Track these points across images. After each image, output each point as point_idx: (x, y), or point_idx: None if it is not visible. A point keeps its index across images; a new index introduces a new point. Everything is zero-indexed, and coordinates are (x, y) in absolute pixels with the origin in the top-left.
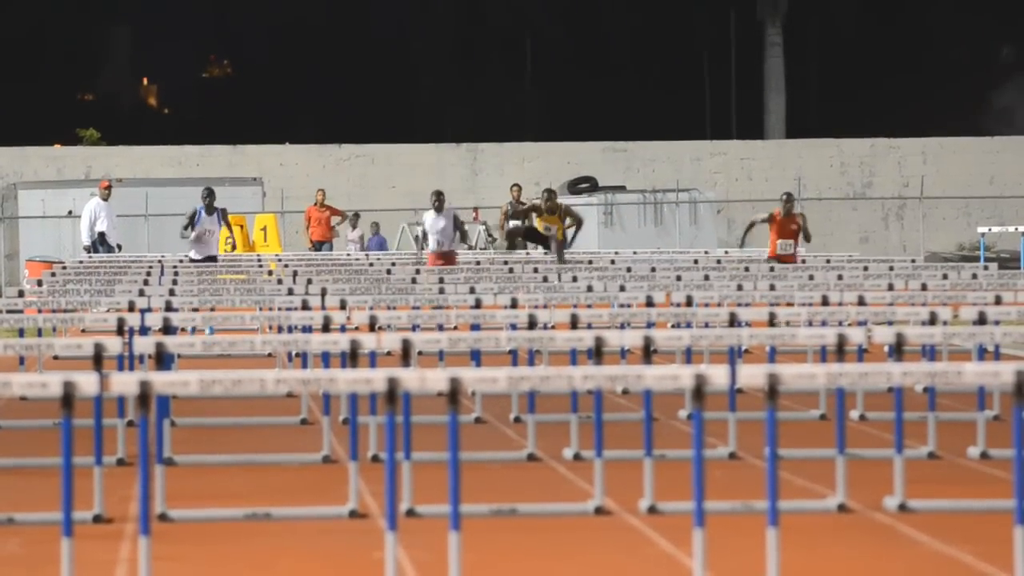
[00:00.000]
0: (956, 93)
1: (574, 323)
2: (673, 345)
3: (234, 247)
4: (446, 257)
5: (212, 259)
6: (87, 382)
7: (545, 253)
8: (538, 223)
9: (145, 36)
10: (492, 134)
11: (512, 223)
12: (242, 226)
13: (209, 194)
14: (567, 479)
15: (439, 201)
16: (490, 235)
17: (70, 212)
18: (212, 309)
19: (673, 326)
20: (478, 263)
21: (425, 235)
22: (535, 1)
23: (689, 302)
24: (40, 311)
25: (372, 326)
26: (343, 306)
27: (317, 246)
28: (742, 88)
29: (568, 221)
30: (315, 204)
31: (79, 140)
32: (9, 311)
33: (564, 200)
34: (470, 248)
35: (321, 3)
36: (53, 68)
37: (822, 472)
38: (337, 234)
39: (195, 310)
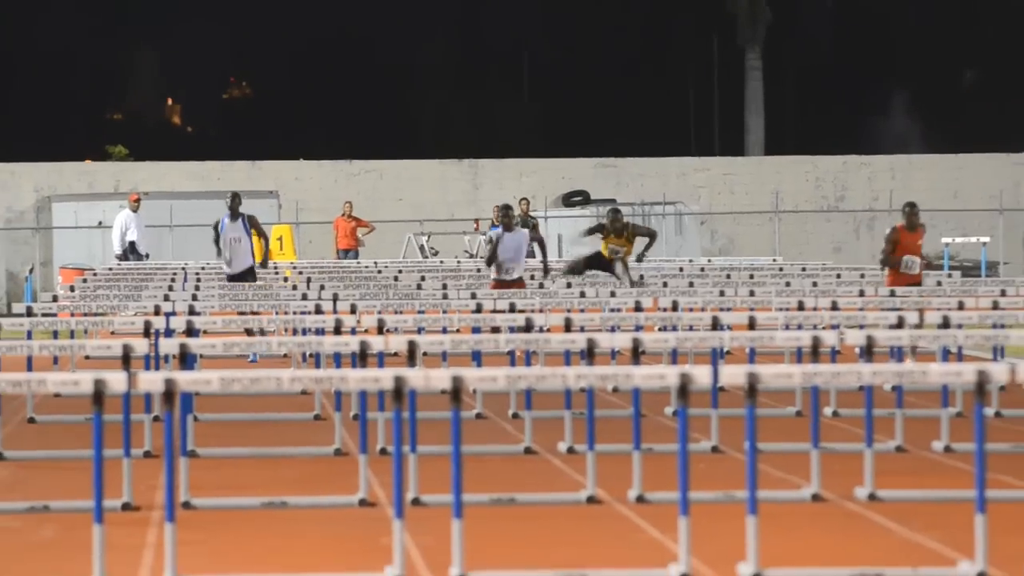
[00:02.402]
0: (922, 114)
1: (568, 326)
2: (660, 347)
3: (264, 261)
4: (512, 286)
5: (247, 273)
6: (116, 380)
7: (611, 276)
8: (603, 246)
9: (169, 59)
10: (492, 150)
11: (572, 260)
12: (281, 238)
13: (233, 198)
14: (561, 471)
15: (507, 217)
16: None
17: (100, 223)
18: (242, 313)
19: (660, 329)
20: (478, 271)
21: (495, 252)
22: (532, 27)
23: (675, 307)
24: (73, 315)
25: (380, 329)
26: (353, 310)
27: (343, 254)
28: (724, 109)
29: (637, 240)
30: (343, 215)
31: (108, 156)
32: (44, 314)
33: (558, 211)
34: (546, 268)
35: (333, 29)
36: (84, 89)
37: (798, 464)
38: (363, 244)
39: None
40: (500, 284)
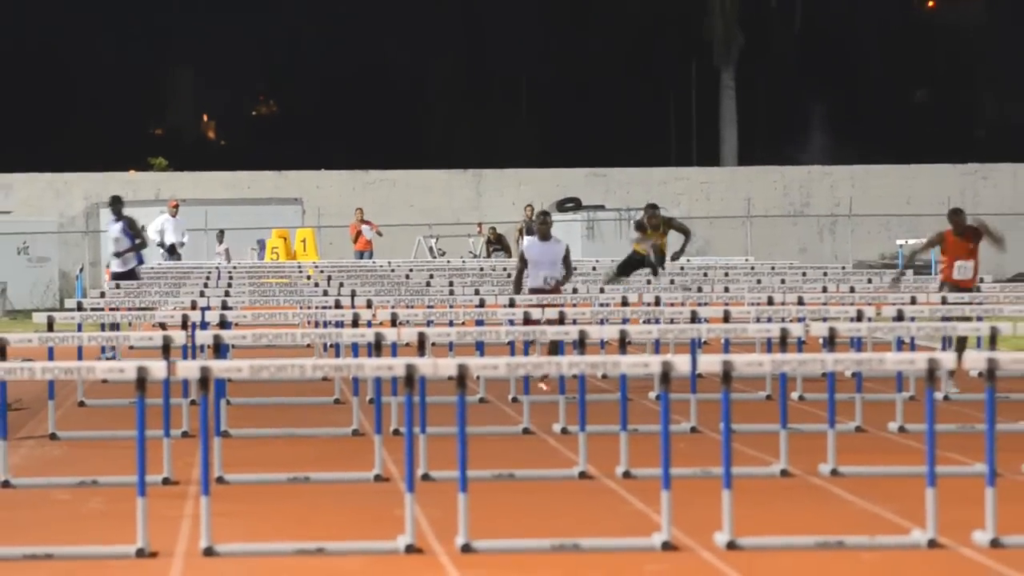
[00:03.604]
0: (879, 129)
1: (562, 319)
2: (644, 338)
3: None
4: (549, 294)
5: (131, 274)
6: (157, 368)
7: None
8: (635, 245)
9: (205, 80)
10: (493, 162)
11: (606, 273)
12: (285, 238)
13: (114, 202)
14: (556, 449)
15: (545, 224)
16: (498, 245)
17: (143, 227)
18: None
19: (644, 322)
20: (481, 269)
21: (524, 263)
22: (530, 52)
23: (657, 302)
24: (118, 309)
25: (393, 322)
26: (369, 305)
27: (359, 255)
28: (701, 124)
29: (673, 235)
30: (356, 220)
31: (150, 167)
32: (93, 309)
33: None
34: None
35: (350, 53)
36: (129, 108)
37: (768, 444)
38: (380, 233)
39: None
40: (536, 293)
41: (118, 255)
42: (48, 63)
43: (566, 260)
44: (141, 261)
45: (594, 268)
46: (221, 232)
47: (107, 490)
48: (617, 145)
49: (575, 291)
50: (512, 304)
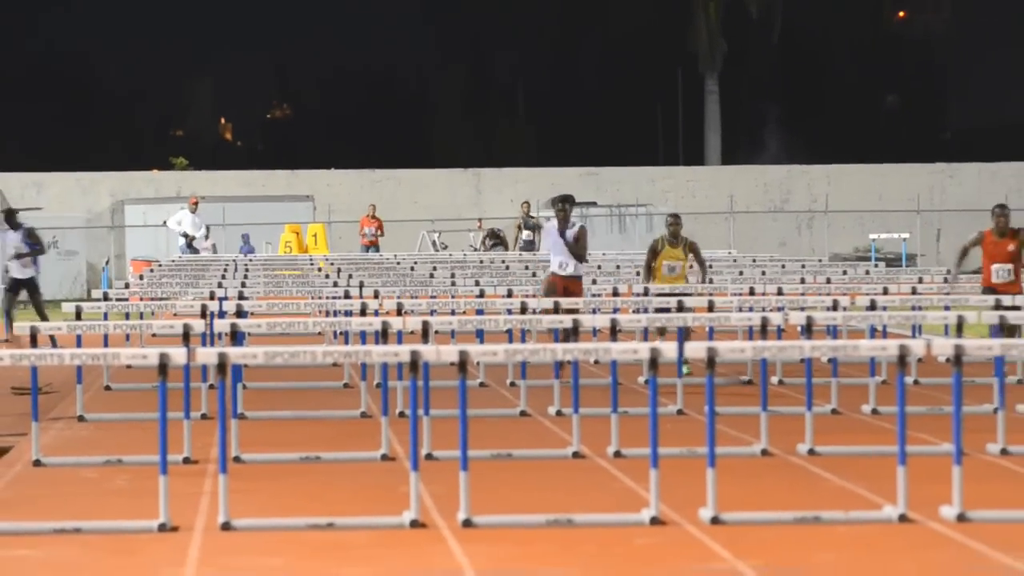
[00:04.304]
0: (853, 131)
1: (556, 309)
2: (634, 326)
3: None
4: (571, 284)
5: (28, 282)
6: (178, 354)
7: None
8: (656, 273)
9: (223, 86)
10: (492, 161)
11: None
12: (297, 233)
13: (8, 214)
14: (551, 430)
15: (564, 211)
16: (498, 238)
17: (164, 222)
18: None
19: (634, 311)
20: (480, 262)
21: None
22: (528, 58)
23: (646, 292)
24: (141, 299)
25: (399, 311)
26: (376, 295)
27: (365, 250)
28: (687, 126)
29: (691, 258)
30: (367, 216)
31: (172, 166)
32: (118, 299)
33: (548, 213)
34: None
35: (360, 59)
36: (152, 111)
37: (749, 425)
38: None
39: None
40: (557, 278)
41: (18, 257)
42: (78, 71)
43: (577, 241)
44: (38, 270)
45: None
46: (207, 228)
47: (131, 468)
48: (608, 147)
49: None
50: (510, 295)
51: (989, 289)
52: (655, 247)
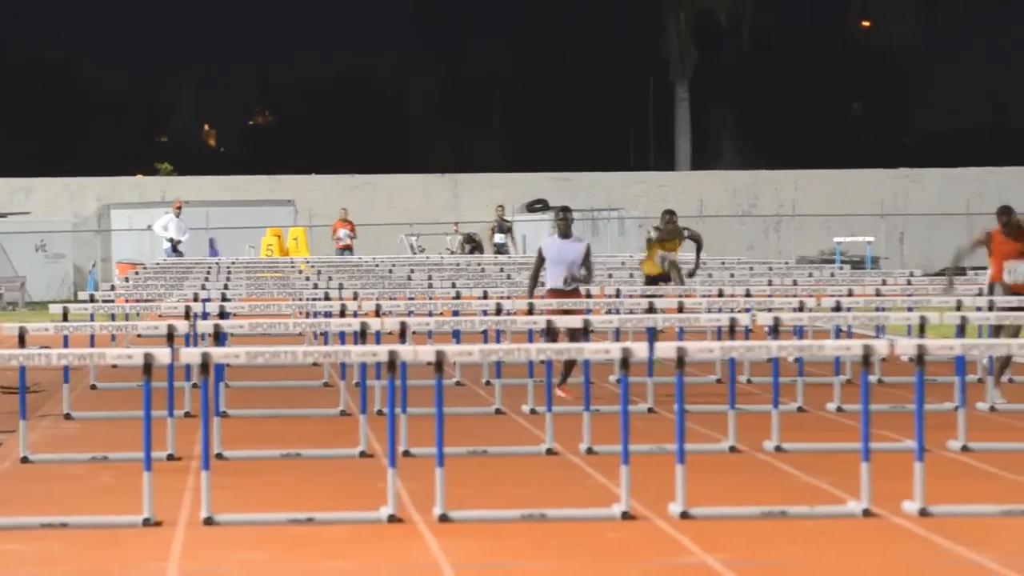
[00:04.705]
0: (819, 137)
1: (530, 310)
2: (605, 326)
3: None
4: (567, 296)
5: None
6: (162, 354)
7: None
8: (648, 263)
9: (206, 93)
10: (469, 166)
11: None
12: (278, 236)
13: None
14: (525, 428)
15: (566, 221)
16: (473, 242)
17: (149, 226)
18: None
19: (606, 312)
20: (457, 265)
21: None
22: (503, 65)
23: (617, 294)
24: (127, 301)
25: (377, 312)
26: (355, 297)
27: (339, 252)
28: (658, 132)
29: (686, 245)
30: (340, 219)
31: (156, 172)
32: (104, 300)
33: (523, 216)
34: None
35: (340, 68)
36: (137, 117)
37: (717, 422)
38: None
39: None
40: (555, 294)
41: None
42: (65, 78)
43: (586, 260)
44: None
45: None
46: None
47: (116, 465)
48: (581, 152)
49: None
50: (531, 311)
51: (1004, 287)
52: (649, 241)
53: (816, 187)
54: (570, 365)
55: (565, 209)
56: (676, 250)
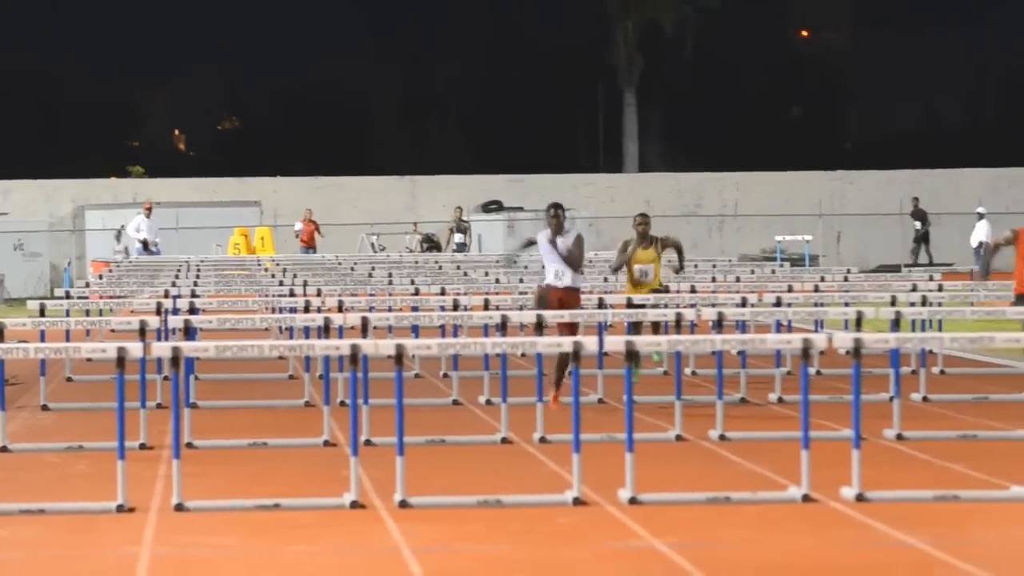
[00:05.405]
0: (760, 140)
1: (486, 306)
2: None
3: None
4: (566, 296)
5: None
6: (135, 348)
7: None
8: (629, 266)
9: (177, 99)
10: (427, 169)
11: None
12: (245, 236)
13: None
14: (481, 418)
15: (558, 218)
16: (431, 241)
17: (123, 226)
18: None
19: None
20: (416, 263)
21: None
22: (460, 73)
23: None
24: (101, 297)
25: (340, 308)
26: (319, 293)
27: (304, 250)
28: (607, 136)
29: (666, 253)
30: (304, 219)
31: (129, 174)
32: (79, 297)
33: (478, 216)
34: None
35: (304, 74)
36: (110, 122)
37: (665, 413)
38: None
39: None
40: (550, 291)
41: None
42: (41, 84)
43: (572, 251)
44: None
45: (514, 262)
46: (118, 232)
47: (91, 454)
48: (534, 155)
49: (497, 281)
50: (443, 292)
51: (1021, 297)
52: (625, 247)
53: (757, 188)
54: (563, 366)
55: (557, 206)
56: (655, 264)
